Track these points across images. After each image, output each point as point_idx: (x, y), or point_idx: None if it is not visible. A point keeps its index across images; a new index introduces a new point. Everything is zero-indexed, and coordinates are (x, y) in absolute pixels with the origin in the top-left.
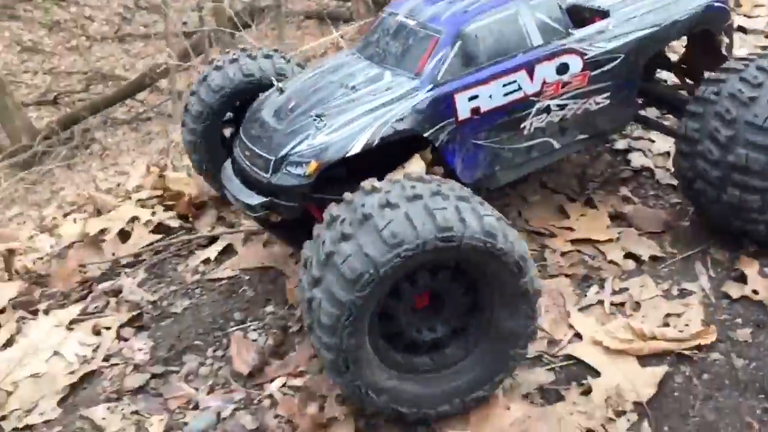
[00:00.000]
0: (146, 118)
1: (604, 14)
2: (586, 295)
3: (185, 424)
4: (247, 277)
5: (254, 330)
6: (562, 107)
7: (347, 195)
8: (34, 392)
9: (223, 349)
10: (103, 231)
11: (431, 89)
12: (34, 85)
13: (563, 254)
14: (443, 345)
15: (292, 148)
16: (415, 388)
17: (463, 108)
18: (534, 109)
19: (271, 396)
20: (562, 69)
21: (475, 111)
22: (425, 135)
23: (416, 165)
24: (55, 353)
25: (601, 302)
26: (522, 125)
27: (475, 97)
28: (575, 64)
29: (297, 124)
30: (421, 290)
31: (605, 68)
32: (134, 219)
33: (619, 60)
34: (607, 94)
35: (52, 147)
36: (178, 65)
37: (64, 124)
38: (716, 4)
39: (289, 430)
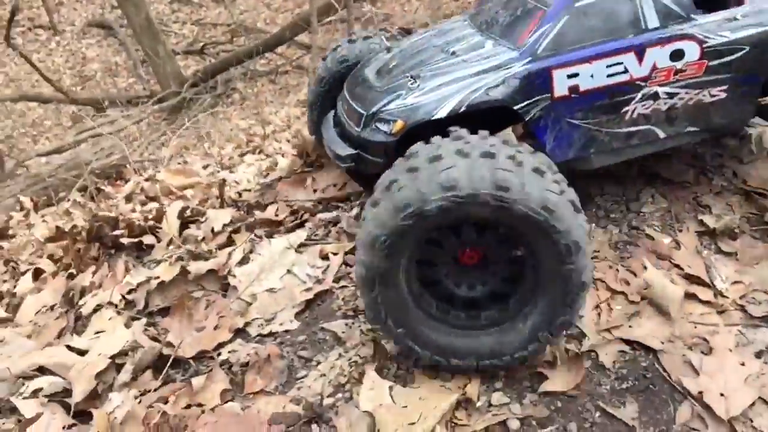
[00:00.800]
0: (284, 72)
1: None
2: None
3: None
4: None
5: None
6: (671, 95)
7: (435, 137)
8: (271, 304)
9: None
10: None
11: (529, 62)
12: (182, 34)
13: None
14: (478, 306)
15: (384, 106)
16: (436, 335)
17: (561, 85)
18: (639, 94)
19: None
20: (677, 55)
21: (574, 89)
22: (515, 108)
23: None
24: (288, 272)
25: None
26: (624, 109)
27: (575, 75)
28: (692, 51)
29: (393, 83)
30: (471, 245)
31: (725, 59)
32: None
33: (742, 52)
34: (725, 86)
35: (199, 95)
36: (319, 21)
37: (210, 73)
38: None
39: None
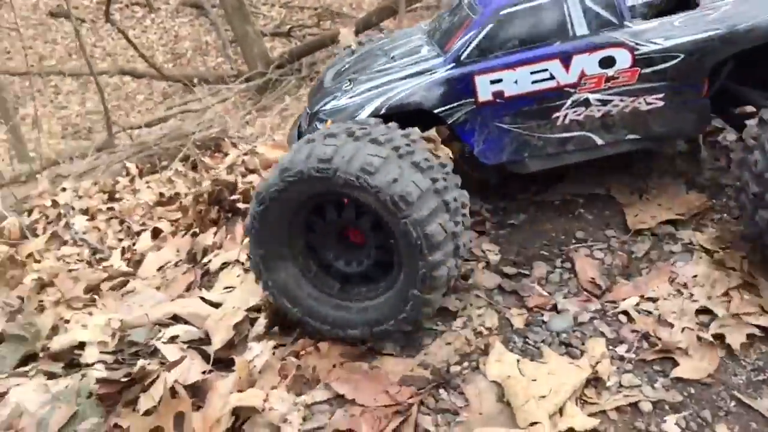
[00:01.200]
0: None
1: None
2: None
3: (543, 322)
4: (581, 200)
5: (599, 250)
6: (604, 102)
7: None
8: None
9: (570, 262)
10: None
11: (451, 68)
12: (270, 16)
13: None
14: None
15: (323, 106)
16: (313, 303)
17: (484, 90)
18: (569, 101)
19: (625, 312)
20: (607, 62)
21: (498, 95)
22: (435, 112)
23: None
24: None
25: None
26: (554, 115)
27: (499, 81)
28: (623, 58)
29: (337, 85)
30: (352, 226)
31: (659, 67)
32: None
33: (677, 60)
34: (661, 95)
35: (284, 76)
36: (407, 7)
37: (296, 55)
38: None
39: (646, 346)
